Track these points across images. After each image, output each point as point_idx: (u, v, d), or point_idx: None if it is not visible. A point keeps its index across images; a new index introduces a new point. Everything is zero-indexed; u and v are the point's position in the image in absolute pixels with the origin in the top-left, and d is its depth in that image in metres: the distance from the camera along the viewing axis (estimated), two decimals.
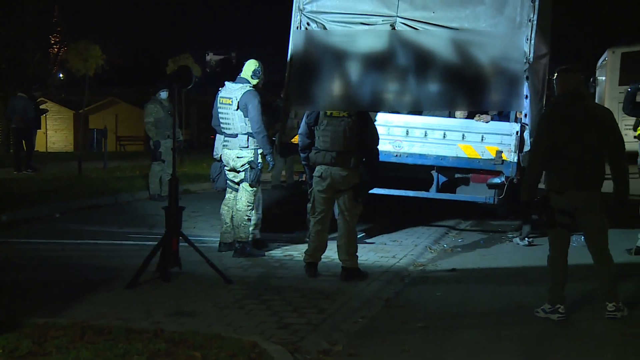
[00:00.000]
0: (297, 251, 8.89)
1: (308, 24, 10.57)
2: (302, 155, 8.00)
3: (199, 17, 68.58)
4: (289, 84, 10.12)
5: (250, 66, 8.64)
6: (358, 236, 8.22)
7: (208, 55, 67.92)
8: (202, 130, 29.00)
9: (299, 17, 10.64)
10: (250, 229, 8.79)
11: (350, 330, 6.04)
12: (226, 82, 8.69)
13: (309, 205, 7.95)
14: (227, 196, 8.89)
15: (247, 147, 8.49)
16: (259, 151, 8.52)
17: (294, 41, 10.11)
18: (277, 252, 8.97)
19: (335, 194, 7.76)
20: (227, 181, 8.82)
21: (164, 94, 13.53)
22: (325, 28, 10.40)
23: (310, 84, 8.05)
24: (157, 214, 10.53)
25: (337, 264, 7.89)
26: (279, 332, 5.81)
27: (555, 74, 6.78)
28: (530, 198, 6.59)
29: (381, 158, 8.14)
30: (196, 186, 15.94)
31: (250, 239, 8.76)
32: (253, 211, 8.76)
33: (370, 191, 8.08)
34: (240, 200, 8.61)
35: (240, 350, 5.12)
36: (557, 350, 5.69)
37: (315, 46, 8.18)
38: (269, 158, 8.56)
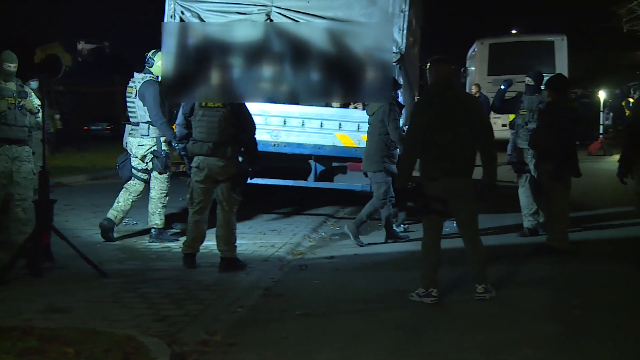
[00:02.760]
0: (176, 242, 8.79)
1: (182, 12, 10.43)
2: (179, 145, 7.92)
3: (70, 4, 66.22)
4: (164, 75, 9.95)
5: (150, 55, 8.84)
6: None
7: (80, 43, 65.76)
8: (76, 121, 28.19)
9: (172, 5, 10.48)
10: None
11: (229, 320, 6.02)
12: (134, 72, 8.95)
13: (187, 196, 7.88)
14: (129, 182, 9.01)
15: (148, 135, 8.74)
16: (162, 139, 8.71)
17: (168, 31, 9.90)
18: (155, 244, 8.83)
19: (213, 184, 7.72)
20: (132, 169, 8.91)
21: (34, 84, 13.01)
22: (200, 17, 10.29)
23: (185, 74, 7.95)
24: None
25: (215, 254, 7.85)
26: (156, 324, 5.73)
27: (428, 64, 6.96)
28: (405, 185, 6.76)
29: (259, 148, 8.15)
30: (69, 179, 15.46)
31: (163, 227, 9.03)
32: (167, 197, 8.95)
33: (249, 181, 8.07)
34: (154, 189, 8.88)
35: (116, 344, 5.01)
36: (432, 332, 5.87)
37: (189, 36, 8.09)
38: (174, 143, 8.55)
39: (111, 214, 8.96)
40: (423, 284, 6.65)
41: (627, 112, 23.18)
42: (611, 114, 27.40)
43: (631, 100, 24.04)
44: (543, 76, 9.92)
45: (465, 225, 6.78)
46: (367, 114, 9.30)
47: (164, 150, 8.79)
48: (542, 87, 9.66)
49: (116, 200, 8.98)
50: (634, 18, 21.71)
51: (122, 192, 9.00)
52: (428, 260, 6.70)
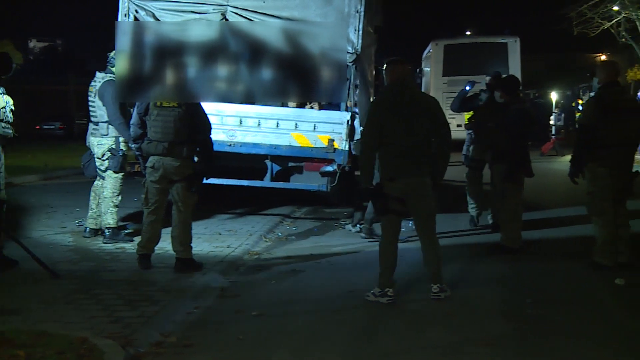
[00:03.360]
0: (130, 243, 8.70)
1: (137, 11, 10.32)
2: (134, 145, 7.84)
3: (21, 1, 65.04)
4: (118, 75, 9.84)
5: (112, 55, 8.82)
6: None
7: (31, 41, 64.63)
8: (28, 120, 27.74)
9: (126, 4, 10.37)
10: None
11: (184, 321, 5.99)
12: (96, 72, 8.95)
13: (142, 196, 7.80)
14: (95, 182, 9.03)
15: (107, 134, 8.75)
16: (121, 139, 8.70)
17: (121, 30, 9.77)
18: (109, 245, 8.73)
19: (169, 184, 7.66)
20: (96, 168, 8.92)
21: None
22: (154, 16, 10.20)
23: (140, 74, 7.88)
24: None
25: (171, 255, 7.78)
26: (111, 326, 5.66)
27: (385, 65, 7.01)
28: (369, 184, 6.76)
29: (215, 148, 8.10)
30: (20, 179, 15.20)
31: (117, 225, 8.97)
32: (120, 196, 8.87)
33: (205, 181, 8.03)
34: (106, 188, 8.83)
35: (69, 346, 4.94)
36: (387, 331, 5.89)
37: (144, 35, 8.02)
38: (131, 144, 8.43)
39: (90, 223, 9.04)
40: (379, 284, 6.68)
41: (577, 114, 23.61)
42: (563, 115, 27.85)
43: (580, 101, 24.48)
44: (502, 76, 10.19)
45: (423, 225, 6.82)
46: None
47: (122, 149, 8.77)
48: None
49: (90, 208, 9.01)
50: (583, 21, 22.08)
51: (91, 198, 9.01)
52: (385, 259, 6.73)
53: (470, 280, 7.49)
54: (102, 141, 8.78)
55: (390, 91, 6.84)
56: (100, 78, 8.82)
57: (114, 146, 8.75)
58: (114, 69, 8.73)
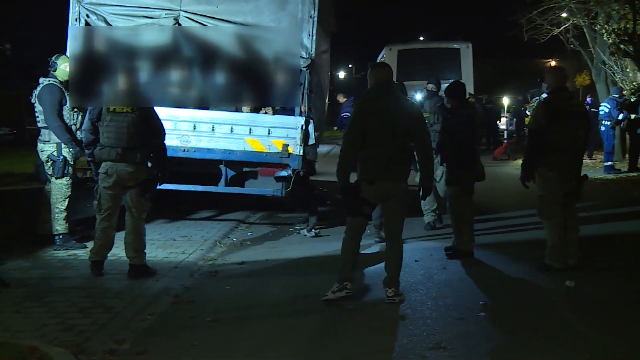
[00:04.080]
0: (83, 250, 8.58)
1: (88, 16, 10.20)
2: (86, 151, 7.76)
3: None
4: (70, 80, 9.73)
5: (53, 59, 8.72)
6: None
7: None
8: None
9: (77, 8, 10.24)
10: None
11: (138, 328, 5.93)
12: (40, 77, 8.81)
13: (95, 202, 7.71)
14: (45, 187, 8.93)
15: (49, 141, 8.63)
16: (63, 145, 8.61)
17: (73, 35, 9.68)
18: (60, 252, 8.60)
19: (122, 190, 7.59)
20: (45, 173, 8.84)
21: None
22: (106, 20, 10.09)
23: (92, 79, 7.80)
24: None
25: (124, 261, 7.71)
26: (63, 334, 5.59)
27: (369, 68, 7.04)
28: (346, 184, 6.77)
29: (169, 153, 8.07)
30: None
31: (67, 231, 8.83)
32: (66, 202, 8.72)
33: (159, 187, 7.97)
34: (53, 194, 8.71)
35: (19, 355, 4.87)
36: (343, 335, 5.91)
37: (95, 40, 7.95)
38: (69, 148, 8.51)
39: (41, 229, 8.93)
40: (338, 279, 6.75)
41: (527, 119, 23.98)
42: (514, 119, 28.28)
43: (527, 106, 24.88)
44: (441, 82, 10.97)
45: (392, 226, 6.90)
46: None
47: (63, 155, 8.62)
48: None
49: (53, 219, 8.83)
50: (533, 27, 22.44)
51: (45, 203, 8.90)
52: (346, 257, 6.81)
53: (424, 284, 7.55)
54: (44, 147, 8.69)
55: (374, 94, 6.87)
56: (42, 82, 8.71)
57: (54, 152, 8.61)
58: (56, 74, 8.67)
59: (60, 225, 8.72)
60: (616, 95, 18.67)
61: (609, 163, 18.54)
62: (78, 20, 10.16)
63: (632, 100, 18.87)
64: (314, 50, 10.24)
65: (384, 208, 6.87)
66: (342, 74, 57.31)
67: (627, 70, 19.98)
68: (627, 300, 6.88)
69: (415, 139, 6.77)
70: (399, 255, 6.88)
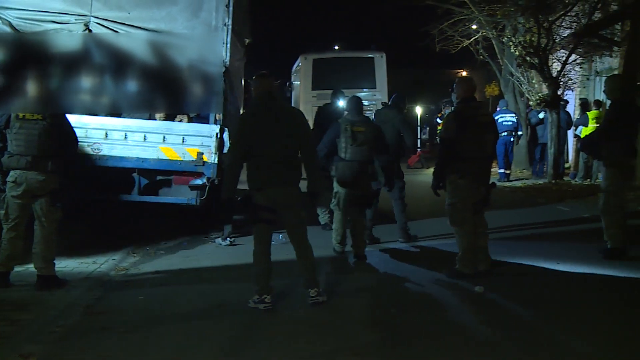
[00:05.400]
0: None
1: None
2: None
3: None
4: None
5: None
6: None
7: None
8: None
9: None
10: None
11: (46, 341, 5.78)
12: None
13: (2, 211, 7.48)
14: None
15: None
16: None
17: None
18: None
19: (31, 199, 7.39)
20: None
21: None
22: (11, 25, 9.78)
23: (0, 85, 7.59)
24: None
25: (32, 272, 7.50)
26: None
27: (253, 78, 7.08)
28: (231, 196, 6.80)
29: (80, 161, 7.89)
30: None
31: None
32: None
33: (70, 196, 7.79)
34: None
35: None
36: (260, 342, 5.88)
37: (1, 46, 7.74)
38: None
39: None
40: (256, 291, 6.76)
41: (439, 127, 24.48)
42: (428, 128, 28.81)
43: (439, 115, 25.42)
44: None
45: (294, 233, 6.96)
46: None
47: None
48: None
49: None
50: (445, 38, 22.92)
51: None
52: (259, 267, 6.83)
53: (341, 290, 7.61)
54: None
55: (257, 104, 6.95)
56: None
57: None
58: None
59: None
60: (504, 108, 19.85)
61: (502, 170, 19.56)
62: None
63: (540, 117, 19.76)
64: (228, 58, 10.19)
65: (282, 218, 6.92)
66: None
67: (533, 81, 20.63)
68: (535, 304, 7.06)
69: (300, 142, 6.85)
70: (310, 256, 6.96)
